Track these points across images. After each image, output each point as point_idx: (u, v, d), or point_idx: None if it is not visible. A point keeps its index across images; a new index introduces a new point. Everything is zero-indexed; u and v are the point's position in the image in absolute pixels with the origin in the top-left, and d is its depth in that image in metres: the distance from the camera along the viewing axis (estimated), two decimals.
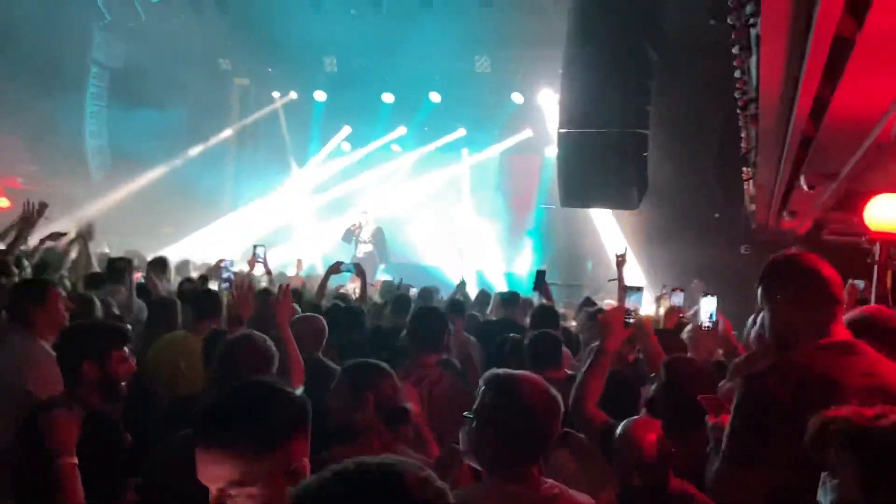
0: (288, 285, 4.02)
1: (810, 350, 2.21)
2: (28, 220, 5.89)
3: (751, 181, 8.70)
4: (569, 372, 4.19)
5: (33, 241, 6.68)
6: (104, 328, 3.02)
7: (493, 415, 2.11)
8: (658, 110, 10.72)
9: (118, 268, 6.38)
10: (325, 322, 4.57)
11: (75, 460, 2.13)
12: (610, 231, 13.77)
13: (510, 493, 2.06)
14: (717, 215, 12.54)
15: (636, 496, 2.56)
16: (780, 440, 2.06)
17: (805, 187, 6.33)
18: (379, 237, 14.02)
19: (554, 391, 2.17)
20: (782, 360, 2.25)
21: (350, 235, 13.95)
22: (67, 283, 6.28)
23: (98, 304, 4.69)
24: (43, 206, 6.15)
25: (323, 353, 4.47)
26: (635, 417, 2.78)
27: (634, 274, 13.05)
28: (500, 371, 2.22)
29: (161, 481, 2.48)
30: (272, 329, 4.57)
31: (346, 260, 12.42)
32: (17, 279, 5.13)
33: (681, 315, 5.02)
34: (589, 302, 7.92)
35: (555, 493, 2.11)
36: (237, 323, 4.03)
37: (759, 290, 2.35)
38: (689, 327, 5.53)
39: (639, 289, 3.14)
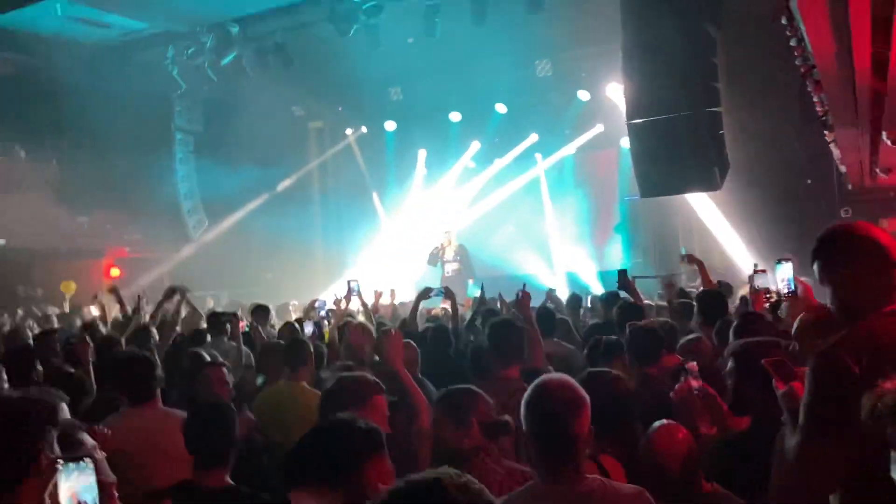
0: (398, 331, 4.08)
1: (878, 318, 2.19)
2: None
3: (834, 143, 8.37)
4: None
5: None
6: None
7: (524, 420, 2.27)
8: (727, 86, 10.42)
9: (219, 321, 6.76)
10: (416, 346, 4.76)
11: None
12: (700, 215, 13.48)
13: (548, 492, 2.16)
14: (809, 181, 12.06)
15: (666, 496, 2.58)
16: (857, 412, 2.05)
17: (889, 143, 6.07)
18: (463, 254, 14.17)
19: (578, 391, 2.27)
20: (851, 332, 2.22)
21: (435, 258, 14.18)
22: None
23: (206, 357, 4.98)
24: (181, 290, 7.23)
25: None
26: (661, 423, 2.79)
27: (739, 255, 12.77)
28: (538, 379, 2.34)
29: None
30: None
31: (435, 281, 12.69)
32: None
33: (767, 296, 4.85)
34: (682, 293, 7.76)
35: (594, 487, 2.18)
36: (358, 363, 4.18)
37: (816, 267, 2.33)
38: (783, 305, 5.35)
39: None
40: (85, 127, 13.06)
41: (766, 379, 2.52)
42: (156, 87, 14.12)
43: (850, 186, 11.24)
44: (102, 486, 1.62)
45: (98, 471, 1.63)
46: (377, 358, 5.18)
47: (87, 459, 1.64)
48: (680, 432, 2.70)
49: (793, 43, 4.92)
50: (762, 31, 9.68)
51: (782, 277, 3.95)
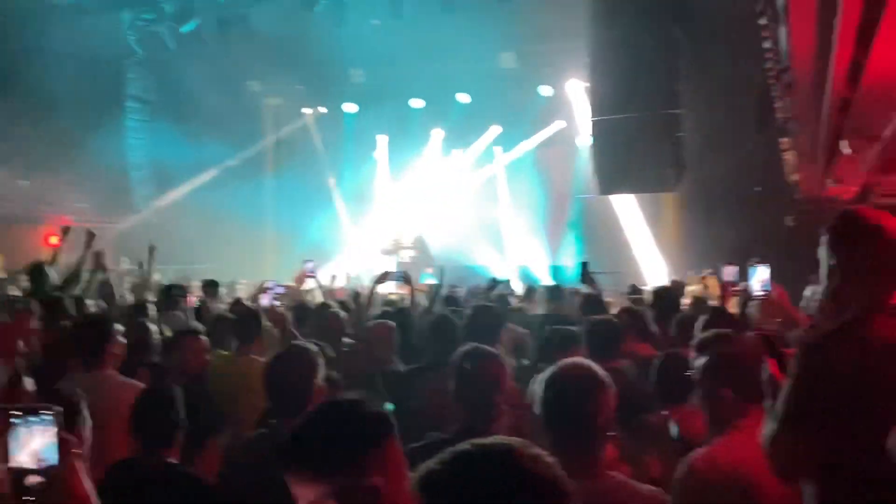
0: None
1: (873, 315, 2.11)
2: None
3: (791, 151, 8.59)
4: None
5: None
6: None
7: (539, 404, 2.13)
8: (689, 89, 10.62)
9: (172, 295, 6.57)
10: (392, 325, 4.69)
11: None
12: (648, 215, 13.72)
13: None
14: (758, 188, 12.36)
15: None
16: (838, 409, 2.04)
17: (847, 151, 6.25)
18: (420, 243, 14.18)
19: (598, 375, 2.14)
20: (842, 328, 2.15)
21: (392, 246, 14.19)
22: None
23: (153, 331, 4.79)
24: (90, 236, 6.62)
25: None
26: None
27: (652, 257, 13.09)
28: (556, 365, 2.21)
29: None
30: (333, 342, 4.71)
31: (391, 268, 12.62)
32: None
33: (734, 288, 4.91)
34: (634, 290, 7.88)
35: (614, 485, 2.06)
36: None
37: (825, 248, 2.21)
38: (752, 302, 5.45)
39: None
40: (31, 88, 12.50)
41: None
42: (109, 51, 13.62)
43: (797, 196, 11.56)
44: (63, 443, 1.49)
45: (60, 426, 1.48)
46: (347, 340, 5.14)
47: (48, 412, 1.49)
48: None
49: (767, 45, 5.01)
50: (728, 34, 9.87)
51: (760, 279, 4.00)
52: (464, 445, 1.23)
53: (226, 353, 4.71)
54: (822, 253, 2.22)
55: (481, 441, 1.24)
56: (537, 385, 2.18)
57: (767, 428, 2.20)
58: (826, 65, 4.03)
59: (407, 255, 13.97)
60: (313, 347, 3.04)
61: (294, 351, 2.99)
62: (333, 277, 8.94)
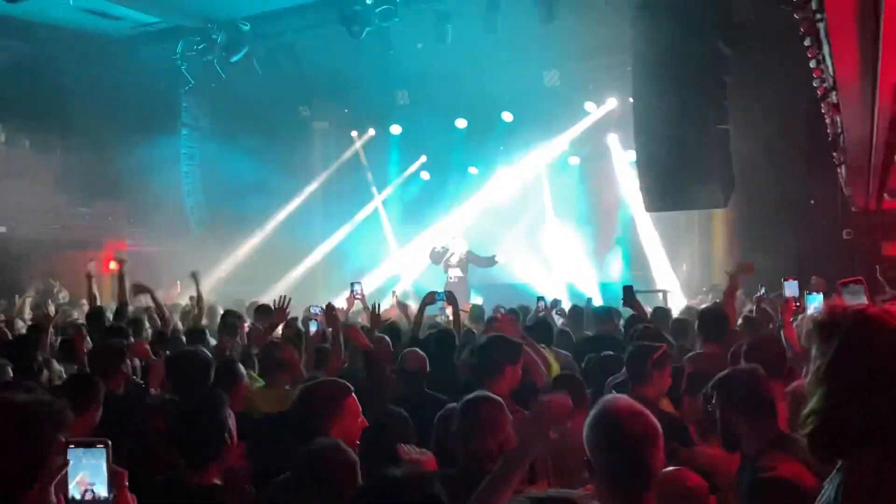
0: None
1: None
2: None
3: (843, 166, 8.39)
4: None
5: None
6: None
7: (595, 450, 2.07)
8: (737, 104, 10.45)
9: (230, 322, 6.73)
10: (424, 355, 4.75)
11: None
12: (701, 230, 13.50)
13: None
14: (812, 202, 12.07)
15: None
16: None
17: None
18: (470, 259, 14.38)
19: (654, 421, 2.08)
20: None
21: (438, 257, 14.30)
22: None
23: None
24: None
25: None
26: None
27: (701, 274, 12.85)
28: (599, 405, 2.14)
29: None
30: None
31: (438, 286, 12.71)
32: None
33: (796, 305, 4.74)
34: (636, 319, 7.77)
35: None
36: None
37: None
38: (800, 318, 5.32)
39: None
40: (91, 118, 13.03)
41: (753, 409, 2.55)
42: (163, 81, 14.15)
43: (853, 209, 11.27)
44: (114, 474, 1.59)
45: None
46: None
47: (101, 445, 1.61)
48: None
49: (812, 65, 4.93)
50: (772, 50, 9.71)
51: (815, 306, 3.90)
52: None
53: (260, 381, 4.81)
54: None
55: (537, 495, 1.27)
56: (587, 428, 2.11)
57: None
58: (873, 84, 3.96)
59: (454, 274, 14.07)
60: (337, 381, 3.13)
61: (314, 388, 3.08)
62: (393, 293, 9.24)
